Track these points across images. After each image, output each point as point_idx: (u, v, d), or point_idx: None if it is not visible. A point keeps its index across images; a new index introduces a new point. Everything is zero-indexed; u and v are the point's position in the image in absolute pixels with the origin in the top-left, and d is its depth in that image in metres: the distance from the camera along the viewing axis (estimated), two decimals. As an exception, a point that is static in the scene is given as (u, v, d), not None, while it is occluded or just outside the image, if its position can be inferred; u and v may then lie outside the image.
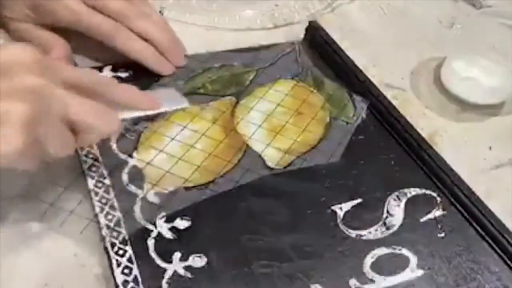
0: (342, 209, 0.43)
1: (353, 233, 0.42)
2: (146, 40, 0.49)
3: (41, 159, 0.36)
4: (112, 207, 0.40)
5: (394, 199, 0.44)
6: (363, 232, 0.42)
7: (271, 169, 0.45)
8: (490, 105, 0.54)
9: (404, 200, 0.44)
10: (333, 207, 0.43)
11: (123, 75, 0.49)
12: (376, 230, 0.42)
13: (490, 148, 0.50)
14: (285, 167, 0.45)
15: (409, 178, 0.45)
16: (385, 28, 0.60)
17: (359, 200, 0.44)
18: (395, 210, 0.43)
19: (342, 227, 0.42)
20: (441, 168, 0.45)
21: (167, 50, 0.50)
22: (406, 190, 0.45)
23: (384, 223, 0.42)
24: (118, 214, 0.40)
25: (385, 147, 0.48)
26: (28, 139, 0.32)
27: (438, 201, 0.44)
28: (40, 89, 0.33)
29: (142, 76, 0.49)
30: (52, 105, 0.34)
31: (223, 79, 0.51)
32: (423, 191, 0.45)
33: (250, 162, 0.45)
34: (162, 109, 0.45)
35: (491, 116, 0.53)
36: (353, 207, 0.43)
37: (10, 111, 0.32)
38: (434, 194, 0.45)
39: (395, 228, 0.42)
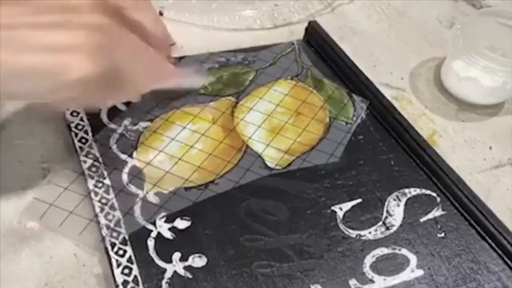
0: (341, 209, 0.43)
1: (353, 233, 0.42)
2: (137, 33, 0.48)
3: (122, 94, 0.39)
4: (112, 207, 0.40)
5: (394, 199, 0.44)
6: (363, 232, 0.42)
7: (271, 169, 0.45)
8: (490, 105, 0.54)
9: (404, 200, 0.44)
10: (332, 207, 0.43)
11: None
12: (376, 230, 0.42)
13: (490, 148, 0.50)
14: (284, 167, 0.45)
15: (409, 178, 0.45)
16: (385, 28, 0.60)
17: (358, 200, 0.44)
18: (395, 210, 0.43)
19: (341, 227, 0.42)
20: (441, 168, 0.46)
21: (161, 42, 0.49)
22: (406, 190, 0.45)
23: (384, 223, 0.42)
24: (118, 214, 0.40)
25: (385, 147, 0.48)
26: (98, 67, 0.35)
27: (438, 201, 0.44)
28: (107, 25, 0.36)
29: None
30: (119, 38, 0.37)
31: (223, 79, 0.51)
32: (423, 191, 0.45)
33: (249, 163, 0.45)
34: (185, 84, 0.47)
35: (491, 116, 0.53)
36: (352, 207, 0.43)
37: (80, 41, 0.35)
38: (434, 194, 0.45)
39: (395, 228, 0.42)
